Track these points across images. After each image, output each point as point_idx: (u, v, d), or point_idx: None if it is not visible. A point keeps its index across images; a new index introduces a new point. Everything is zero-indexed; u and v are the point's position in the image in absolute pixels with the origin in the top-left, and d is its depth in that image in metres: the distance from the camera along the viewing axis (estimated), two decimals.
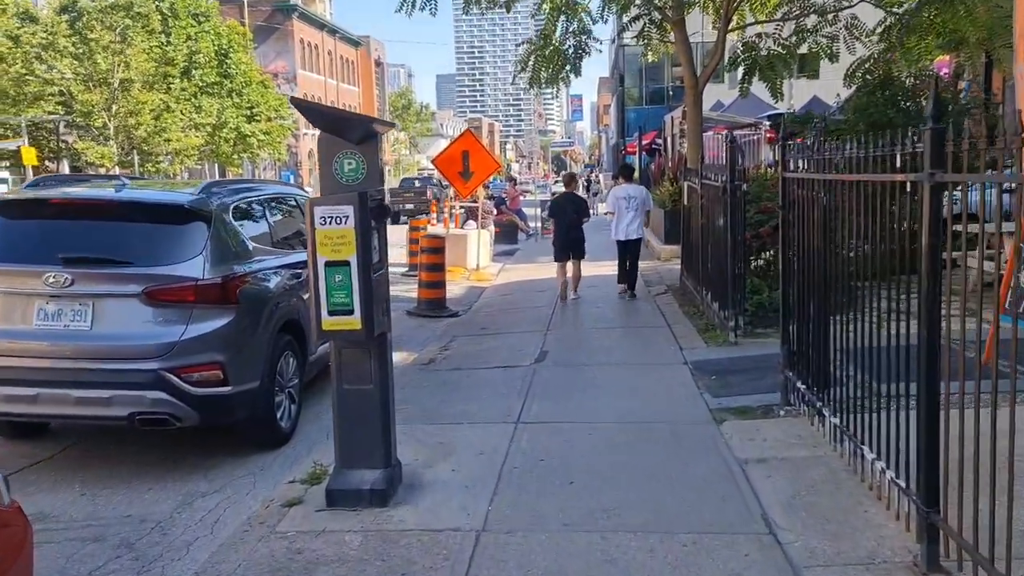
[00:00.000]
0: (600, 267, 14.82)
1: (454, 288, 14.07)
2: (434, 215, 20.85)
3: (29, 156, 31.12)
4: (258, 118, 45.07)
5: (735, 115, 19.02)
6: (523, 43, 13.39)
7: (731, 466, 4.62)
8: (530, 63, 12.78)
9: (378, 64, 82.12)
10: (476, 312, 11.40)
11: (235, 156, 44.98)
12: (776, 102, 12.26)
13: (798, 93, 32.34)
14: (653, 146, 25.51)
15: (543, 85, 12.80)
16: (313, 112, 4.10)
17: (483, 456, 4.91)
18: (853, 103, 11.64)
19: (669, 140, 20.46)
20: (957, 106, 10.08)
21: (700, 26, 12.48)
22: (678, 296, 11.15)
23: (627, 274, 11.16)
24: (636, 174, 26.11)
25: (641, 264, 12.85)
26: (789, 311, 5.70)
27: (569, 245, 11.02)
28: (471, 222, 16.83)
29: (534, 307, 11.19)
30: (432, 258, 11.27)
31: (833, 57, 11.80)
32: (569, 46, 11.90)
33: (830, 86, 26.43)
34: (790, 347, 5.65)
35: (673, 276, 12.94)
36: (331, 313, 3.98)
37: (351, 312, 3.96)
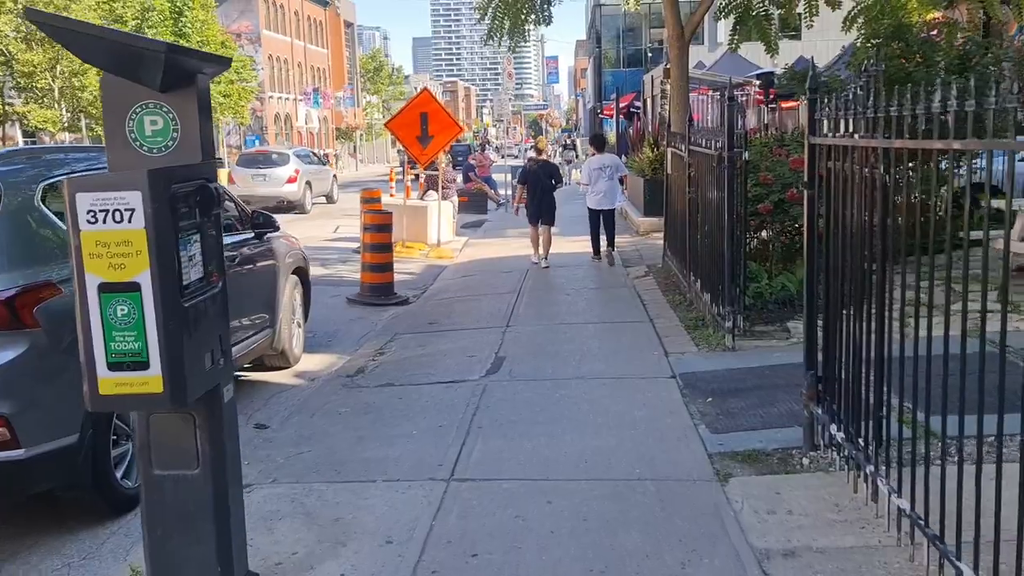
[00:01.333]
0: (572, 243, 13.36)
1: (409, 267, 12.53)
2: (392, 185, 19.09)
3: None
4: (217, 80, 42.70)
5: (719, 75, 17.44)
6: None
7: (747, 567, 3.17)
8: (491, 7, 11.14)
9: (348, 25, 79.22)
10: (429, 299, 9.88)
11: None
12: (773, 58, 10.74)
13: (780, 54, 30.74)
14: (631, 109, 23.89)
15: (505, 36, 11.14)
16: (73, 36, 2.50)
17: (391, 547, 3.42)
18: (860, 57, 10.16)
19: (649, 102, 18.87)
20: (992, 55, 8.61)
21: None
22: (661, 279, 9.69)
23: (607, 242, 11.14)
24: (613, 140, 24.56)
25: (619, 239, 12.20)
26: (815, 318, 4.25)
27: (541, 211, 11.15)
28: (432, 192, 15.22)
29: (496, 293, 9.69)
30: (376, 237, 9.69)
31: (834, 3, 10.25)
32: None
33: (813, 47, 24.91)
34: (817, 371, 4.20)
35: (654, 253, 11.49)
36: (113, 367, 2.44)
37: (144, 366, 2.43)
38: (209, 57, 2.74)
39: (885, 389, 3.32)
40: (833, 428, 3.90)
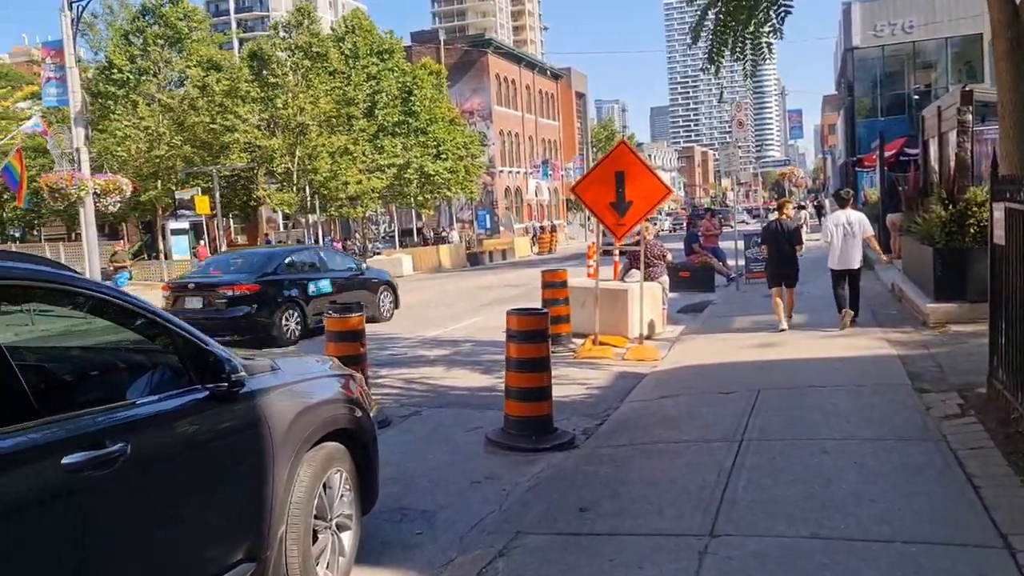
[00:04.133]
0: (824, 340, 9.59)
1: (595, 376, 9.31)
2: (591, 263, 15.91)
3: (203, 205, 30.30)
4: (444, 156, 42.75)
5: None
6: None
7: None
8: (707, 20, 7.91)
9: (579, 96, 78.89)
10: (602, 443, 6.53)
11: (422, 197, 42.81)
12: None
13: None
14: (901, 158, 19.10)
15: (726, 56, 7.82)
16: None
17: None
18: None
19: (932, 144, 14.33)
20: None
21: None
22: (995, 425, 5.65)
23: (850, 302, 10.49)
24: (874, 197, 19.81)
25: (899, 334, 9.73)
26: None
27: (781, 275, 11.06)
28: (634, 271, 11.95)
29: (704, 440, 6.16)
30: (524, 349, 6.54)
31: None
32: None
33: None
34: None
35: (964, 364, 7.39)
36: None
37: None
38: None
39: None
40: None
